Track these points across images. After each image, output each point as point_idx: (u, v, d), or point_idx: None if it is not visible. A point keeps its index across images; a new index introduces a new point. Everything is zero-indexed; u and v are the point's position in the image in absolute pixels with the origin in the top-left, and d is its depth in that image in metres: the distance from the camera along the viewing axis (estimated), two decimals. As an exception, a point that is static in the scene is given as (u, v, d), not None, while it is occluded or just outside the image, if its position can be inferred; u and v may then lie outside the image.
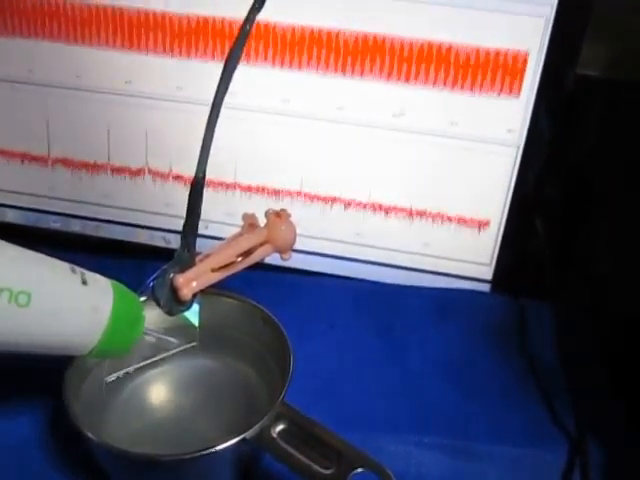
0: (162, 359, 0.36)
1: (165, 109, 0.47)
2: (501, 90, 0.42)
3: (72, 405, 0.31)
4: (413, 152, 0.45)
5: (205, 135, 0.31)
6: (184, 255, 0.33)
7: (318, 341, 0.42)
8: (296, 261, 0.49)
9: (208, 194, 0.49)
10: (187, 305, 0.33)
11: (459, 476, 0.35)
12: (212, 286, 0.34)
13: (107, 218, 0.52)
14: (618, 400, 0.39)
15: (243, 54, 0.31)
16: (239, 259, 0.33)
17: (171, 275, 0.32)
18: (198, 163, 0.31)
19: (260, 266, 0.48)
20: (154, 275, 0.33)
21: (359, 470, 0.28)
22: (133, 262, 0.47)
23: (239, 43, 0.30)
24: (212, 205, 0.49)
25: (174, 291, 0.32)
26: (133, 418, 0.35)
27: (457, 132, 0.44)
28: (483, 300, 0.47)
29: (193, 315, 0.35)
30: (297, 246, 0.50)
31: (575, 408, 0.38)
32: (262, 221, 0.36)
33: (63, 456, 0.35)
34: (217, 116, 0.31)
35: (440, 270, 0.48)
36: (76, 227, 0.53)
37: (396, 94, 0.43)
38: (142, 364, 0.36)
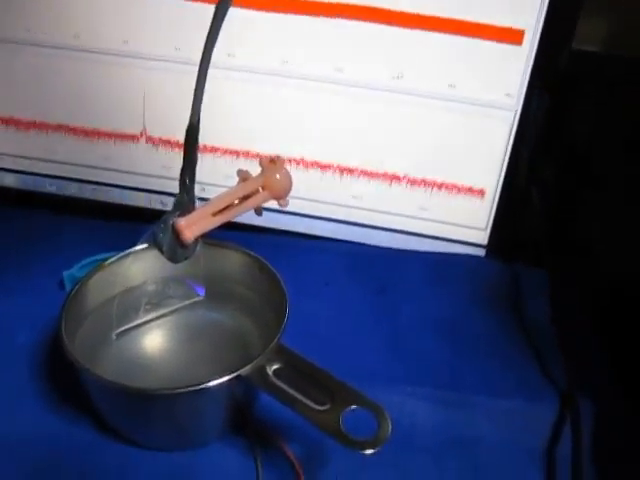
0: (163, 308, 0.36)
1: (163, 70, 0.47)
2: (500, 54, 0.42)
3: (68, 343, 0.31)
4: (411, 116, 0.45)
5: (197, 80, 0.31)
6: (184, 200, 0.33)
7: (315, 299, 0.43)
8: (294, 224, 0.50)
9: (206, 158, 0.50)
10: (190, 250, 0.33)
11: (452, 426, 0.35)
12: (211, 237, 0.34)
13: (104, 181, 0.52)
14: (605, 356, 0.40)
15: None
16: (237, 202, 0.33)
17: (172, 221, 0.33)
18: (192, 108, 0.32)
19: (259, 229, 0.49)
20: (156, 223, 0.33)
21: (352, 407, 0.29)
22: (130, 225, 0.48)
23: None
24: (209, 168, 0.49)
25: (176, 235, 0.33)
26: (128, 363, 0.35)
27: (455, 95, 0.44)
28: (478, 264, 0.47)
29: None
30: (295, 209, 0.50)
31: (566, 363, 0.38)
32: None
33: (57, 396, 0.35)
34: (209, 59, 0.31)
35: (435, 234, 0.48)
36: (73, 190, 0.53)
37: (395, 55, 0.44)
38: (150, 317, 0.36)
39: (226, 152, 0.49)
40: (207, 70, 0.32)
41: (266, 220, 0.48)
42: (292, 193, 0.35)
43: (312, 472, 0.32)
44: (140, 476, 0.32)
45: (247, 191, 0.35)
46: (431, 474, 0.33)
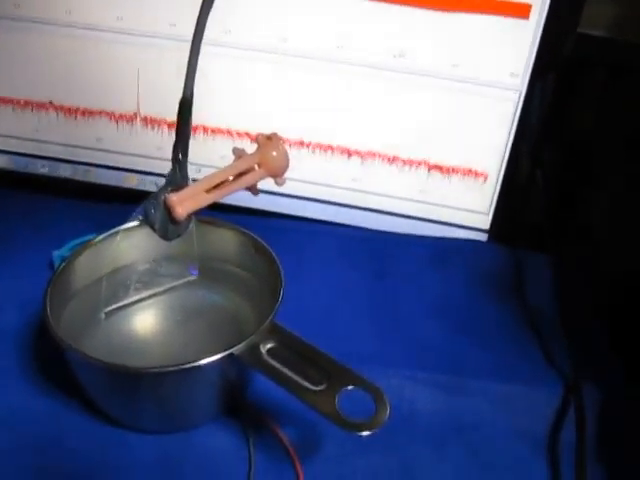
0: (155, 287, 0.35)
1: (157, 47, 0.45)
2: (506, 30, 0.41)
3: (53, 322, 0.30)
4: (413, 96, 0.44)
5: (191, 52, 0.30)
6: (176, 176, 0.32)
7: (313, 283, 0.41)
8: (291, 206, 0.48)
9: (202, 138, 0.48)
10: (182, 227, 0.32)
11: (452, 411, 0.34)
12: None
13: (97, 162, 0.50)
14: (608, 340, 0.39)
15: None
16: (231, 179, 0.32)
17: (164, 197, 0.31)
18: (185, 81, 0.31)
19: (255, 212, 0.48)
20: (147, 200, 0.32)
21: (349, 387, 0.27)
22: (124, 207, 0.47)
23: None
24: (205, 149, 0.48)
25: (168, 211, 0.31)
26: (118, 344, 0.34)
27: (459, 74, 0.43)
28: (479, 249, 0.46)
29: None
30: (293, 192, 0.49)
31: (569, 348, 0.38)
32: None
33: (45, 378, 0.34)
34: (203, 29, 0.30)
35: (437, 218, 0.47)
36: (66, 172, 0.51)
37: (396, 33, 0.42)
38: (141, 296, 0.35)
39: (222, 132, 0.48)
40: (201, 41, 0.30)
41: (262, 202, 0.47)
42: (290, 175, 0.34)
43: (306, 456, 0.31)
44: (130, 459, 0.31)
45: (242, 168, 0.33)
46: (430, 459, 0.32)
